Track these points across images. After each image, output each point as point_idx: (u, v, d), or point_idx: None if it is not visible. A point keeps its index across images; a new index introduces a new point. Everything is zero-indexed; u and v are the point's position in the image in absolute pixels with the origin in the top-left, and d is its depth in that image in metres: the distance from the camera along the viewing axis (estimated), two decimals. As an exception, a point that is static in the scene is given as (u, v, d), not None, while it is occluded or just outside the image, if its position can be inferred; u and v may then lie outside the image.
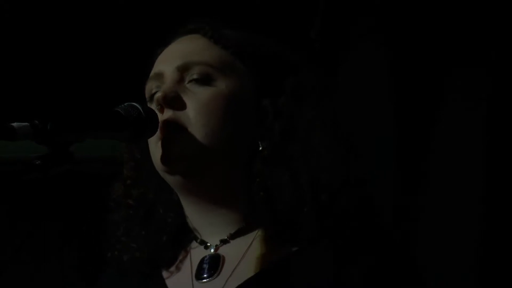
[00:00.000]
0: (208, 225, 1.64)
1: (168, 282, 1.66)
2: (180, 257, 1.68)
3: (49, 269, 3.56)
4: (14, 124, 1.34)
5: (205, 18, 1.70)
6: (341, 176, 1.55)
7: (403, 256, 1.58)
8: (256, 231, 1.61)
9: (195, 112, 1.57)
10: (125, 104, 1.55)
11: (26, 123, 1.36)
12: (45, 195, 3.45)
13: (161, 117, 1.59)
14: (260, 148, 1.60)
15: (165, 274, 1.68)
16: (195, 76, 1.60)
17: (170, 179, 1.61)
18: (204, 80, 1.60)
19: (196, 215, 1.65)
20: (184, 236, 1.70)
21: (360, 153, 1.63)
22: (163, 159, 1.58)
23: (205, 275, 1.60)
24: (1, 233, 3.48)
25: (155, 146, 1.60)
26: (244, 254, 1.60)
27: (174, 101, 1.58)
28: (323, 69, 1.68)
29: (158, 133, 1.59)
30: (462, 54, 2.95)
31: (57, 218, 3.54)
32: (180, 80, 1.61)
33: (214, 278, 1.59)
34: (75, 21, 3.23)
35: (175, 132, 1.57)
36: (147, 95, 1.67)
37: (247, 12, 2.82)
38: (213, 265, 1.61)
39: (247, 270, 1.57)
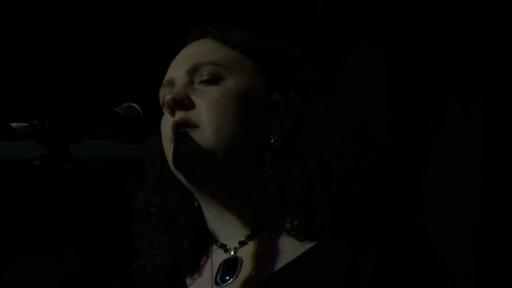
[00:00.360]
0: (226, 227, 1.65)
1: None
2: (202, 262, 1.70)
3: (48, 270, 3.56)
4: (13, 124, 1.35)
5: (213, 20, 1.72)
6: (351, 164, 1.56)
7: (421, 239, 1.58)
8: (273, 229, 1.62)
9: (206, 110, 1.59)
10: (124, 104, 1.56)
11: (25, 123, 1.37)
12: (44, 196, 3.46)
13: (172, 119, 1.61)
14: (272, 141, 1.61)
15: (188, 280, 1.70)
16: (204, 77, 1.62)
17: (185, 179, 1.62)
18: (214, 79, 1.62)
19: (213, 217, 1.66)
20: (205, 241, 1.71)
21: (373, 142, 1.65)
22: (176, 159, 1.59)
23: (224, 279, 1.61)
24: (1, 233, 3.48)
25: (169, 147, 1.62)
26: (260, 255, 1.60)
27: (184, 102, 1.60)
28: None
29: (171, 134, 1.61)
30: (461, 54, 2.96)
31: (56, 218, 3.55)
32: (190, 83, 1.63)
33: (233, 281, 1.60)
34: (74, 22, 3.24)
35: (187, 132, 1.59)
36: (160, 102, 1.70)
37: (246, 13, 2.82)
38: (231, 268, 1.62)
39: (265, 269, 1.58)
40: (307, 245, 1.57)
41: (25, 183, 1.39)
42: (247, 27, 1.72)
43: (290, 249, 1.58)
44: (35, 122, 1.38)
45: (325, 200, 1.55)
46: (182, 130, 1.59)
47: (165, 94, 1.67)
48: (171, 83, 1.66)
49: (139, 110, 1.55)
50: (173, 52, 1.73)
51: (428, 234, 1.65)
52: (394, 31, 3.07)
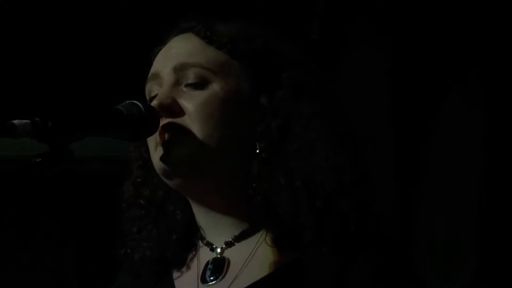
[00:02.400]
0: (213, 226, 1.64)
1: (176, 282, 1.67)
2: (189, 258, 1.69)
3: (47, 268, 3.57)
4: (15, 121, 1.34)
5: (197, 15, 1.69)
6: (337, 178, 1.54)
7: (404, 257, 1.58)
8: (260, 234, 1.61)
9: (192, 116, 1.57)
10: (126, 102, 1.55)
11: (27, 121, 1.36)
12: (45, 194, 3.47)
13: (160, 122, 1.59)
14: (257, 151, 1.59)
15: (175, 274, 1.68)
16: (190, 81, 1.60)
17: (171, 183, 1.61)
18: (200, 83, 1.59)
19: (201, 216, 1.65)
20: (193, 235, 1.70)
21: (360, 149, 1.62)
22: (162, 163, 1.58)
23: (210, 278, 1.61)
24: (1, 231, 3.49)
25: (154, 150, 1.60)
26: (248, 259, 1.59)
27: (171, 108, 1.58)
28: (323, 69, 1.68)
29: (157, 138, 1.59)
30: (461, 54, 2.96)
31: (57, 217, 3.55)
32: (176, 83, 1.61)
33: (218, 282, 1.59)
34: (75, 20, 3.24)
35: (173, 137, 1.57)
36: (147, 96, 1.68)
37: (246, 12, 2.82)
38: (218, 268, 1.61)
39: (251, 275, 1.57)
40: (295, 255, 1.56)
41: (26, 180, 1.39)
42: (233, 19, 1.69)
43: (276, 257, 1.57)
44: (37, 119, 1.37)
45: (310, 220, 1.53)
46: (168, 135, 1.58)
47: (151, 89, 1.65)
48: (157, 77, 1.64)
49: (141, 107, 1.54)
50: (156, 44, 1.70)
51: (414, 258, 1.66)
52: (395, 30, 3.08)
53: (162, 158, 1.58)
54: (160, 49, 1.69)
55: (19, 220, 3.53)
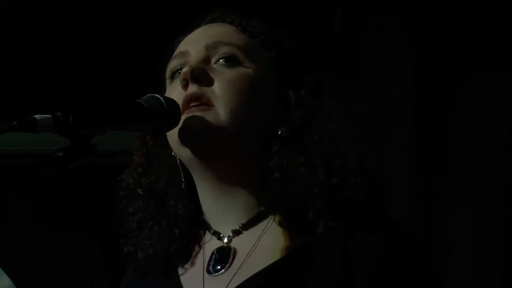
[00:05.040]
0: (222, 212, 1.64)
1: (182, 278, 1.66)
2: (194, 251, 1.68)
3: (73, 263, 3.59)
4: (36, 116, 1.35)
5: (227, 7, 1.72)
6: (353, 164, 1.57)
7: (409, 242, 1.59)
8: (267, 221, 1.61)
9: (222, 89, 1.58)
10: (147, 95, 1.55)
11: (49, 115, 1.36)
12: (67, 188, 3.49)
13: (184, 93, 1.59)
14: (279, 132, 1.61)
15: (180, 270, 1.68)
16: (222, 56, 1.61)
17: (187, 155, 1.60)
18: (232, 60, 1.61)
19: (210, 200, 1.65)
20: (196, 229, 1.70)
21: (373, 146, 1.66)
22: (183, 131, 1.57)
23: (215, 268, 1.61)
24: (25, 227, 3.51)
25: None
26: (254, 247, 1.60)
27: (201, 76, 1.59)
28: (343, 66, 1.70)
29: (180, 106, 1.59)
30: (485, 51, 2.94)
31: (80, 211, 3.57)
32: (206, 60, 1.62)
33: (224, 272, 1.59)
34: (93, 14, 3.26)
35: (200, 107, 1.57)
36: (168, 73, 1.68)
37: (269, 4, 2.82)
38: (223, 258, 1.61)
39: (257, 263, 1.57)
40: (301, 241, 1.57)
41: (48, 175, 1.39)
42: (264, 18, 1.72)
43: (284, 244, 1.57)
44: (58, 114, 1.38)
45: (324, 193, 1.55)
46: (192, 104, 1.58)
47: (175, 66, 1.65)
48: (185, 55, 1.65)
49: (162, 100, 1.54)
50: (181, 32, 1.72)
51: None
52: (418, 22, 3.07)
53: (183, 127, 1.57)
54: (185, 36, 1.70)
55: (43, 215, 3.53)
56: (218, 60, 1.61)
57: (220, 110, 1.56)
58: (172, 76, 1.66)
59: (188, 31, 1.71)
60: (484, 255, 2.83)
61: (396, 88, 3.09)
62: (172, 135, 1.61)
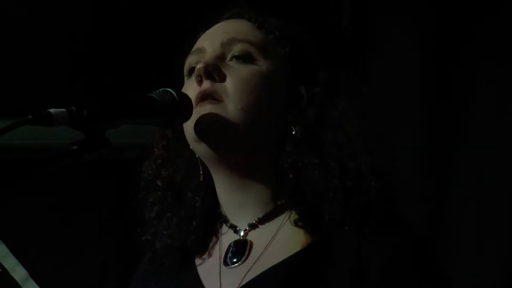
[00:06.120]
0: (238, 206, 1.66)
1: (199, 269, 1.69)
2: (211, 243, 1.71)
3: (87, 255, 3.60)
4: (51, 110, 1.37)
5: (249, 4, 1.74)
6: (367, 165, 1.59)
7: (422, 240, 1.61)
8: (283, 216, 1.64)
9: (234, 86, 1.60)
10: (160, 89, 1.57)
11: (63, 110, 1.39)
12: (82, 181, 3.50)
13: (198, 89, 1.62)
14: (293, 132, 1.63)
15: (197, 261, 1.71)
16: (236, 53, 1.64)
17: (202, 150, 1.63)
18: (246, 58, 1.64)
19: (226, 194, 1.67)
20: (213, 222, 1.72)
21: (387, 146, 1.68)
22: (197, 126, 1.60)
23: (232, 261, 1.63)
24: (39, 218, 3.53)
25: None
26: (270, 241, 1.62)
27: (215, 72, 1.61)
28: (353, 54, 1.70)
29: (194, 101, 1.61)
30: (496, 48, 2.93)
31: (94, 203, 3.59)
32: (221, 57, 1.65)
33: (241, 264, 1.62)
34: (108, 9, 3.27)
35: (211, 103, 1.60)
36: (185, 69, 1.71)
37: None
38: (240, 250, 1.64)
39: (273, 257, 1.60)
40: (315, 238, 1.59)
41: (63, 167, 1.41)
42: (280, 15, 1.74)
43: (298, 239, 1.60)
44: (73, 108, 1.40)
45: (340, 197, 1.57)
46: (206, 99, 1.60)
47: (192, 62, 1.68)
48: (201, 51, 1.67)
49: (175, 94, 1.56)
50: (201, 27, 1.74)
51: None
52: (428, 17, 3.06)
53: (197, 121, 1.60)
54: (203, 32, 1.73)
55: (57, 208, 3.55)
56: (233, 57, 1.64)
57: (230, 106, 1.59)
58: (190, 73, 1.69)
59: (207, 26, 1.74)
60: (491, 253, 2.83)
61: (405, 85, 3.07)
62: (188, 129, 1.64)
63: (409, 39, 3.08)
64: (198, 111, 1.60)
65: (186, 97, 1.59)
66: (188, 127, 1.63)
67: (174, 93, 1.57)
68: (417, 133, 3.06)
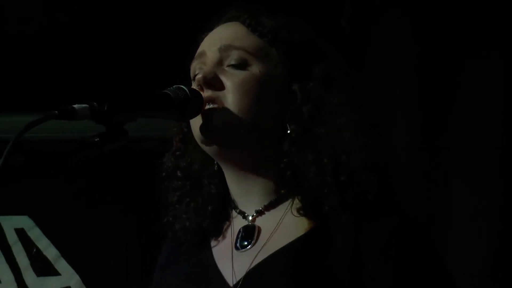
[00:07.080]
0: (245, 194, 1.79)
1: (214, 250, 1.82)
2: (225, 227, 1.84)
3: (109, 245, 3.69)
4: (75, 105, 1.48)
5: (244, 5, 1.83)
6: (361, 159, 1.68)
7: (418, 225, 1.71)
8: (288, 203, 1.76)
9: (231, 91, 1.72)
10: (174, 86, 1.70)
11: (86, 105, 1.50)
12: (107, 170, 3.60)
13: (202, 94, 1.73)
14: (289, 131, 1.74)
15: (213, 243, 1.84)
16: (233, 62, 1.75)
17: (208, 149, 1.76)
18: (241, 64, 1.75)
19: (235, 184, 1.81)
20: (226, 206, 1.85)
21: (383, 138, 1.75)
22: (202, 130, 1.73)
23: (242, 244, 1.76)
24: (64, 207, 3.65)
25: (195, 120, 1.75)
26: (276, 226, 1.74)
27: (213, 82, 1.73)
28: (351, 58, 1.74)
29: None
30: (487, 43, 2.95)
31: (116, 192, 3.68)
32: (219, 63, 1.76)
33: (250, 248, 1.75)
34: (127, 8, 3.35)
35: (213, 108, 1.72)
36: (191, 75, 1.82)
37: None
38: (249, 235, 1.77)
39: (279, 241, 1.71)
40: (316, 224, 1.71)
41: (87, 158, 1.51)
42: (276, 12, 1.82)
43: (301, 224, 1.71)
44: (95, 103, 1.51)
45: (334, 190, 1.67)
46: (208, 106, 1.72)
47: (196, 68, 1.80)
48: (202, 55, 1.79)
49: (187, 91, 1.69)
50: (204, 29, 1.85)
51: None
52: (423, 16, 3.08)
53: (202, 126, 1.73)
54: (207, 34, 1.85)
55: (79, 199, 3.62)
56: (229, 64, 1.75)
57: (231, 111, 1.71)
58: (195, 78, 1.80)
59: (210, 28, 1.85)
60: (485, 235, 2.87)
61: (401, 82, 3.11)
62: (195, 131, 1.76)
63: (406, 36, 3.11)
64: (202, 116, 1.73)
65: (197, 94, 1.71)
66: (195, 129, 1.75)
67: (186, 89, 1.69)
68: (412, 127, 3.11)
